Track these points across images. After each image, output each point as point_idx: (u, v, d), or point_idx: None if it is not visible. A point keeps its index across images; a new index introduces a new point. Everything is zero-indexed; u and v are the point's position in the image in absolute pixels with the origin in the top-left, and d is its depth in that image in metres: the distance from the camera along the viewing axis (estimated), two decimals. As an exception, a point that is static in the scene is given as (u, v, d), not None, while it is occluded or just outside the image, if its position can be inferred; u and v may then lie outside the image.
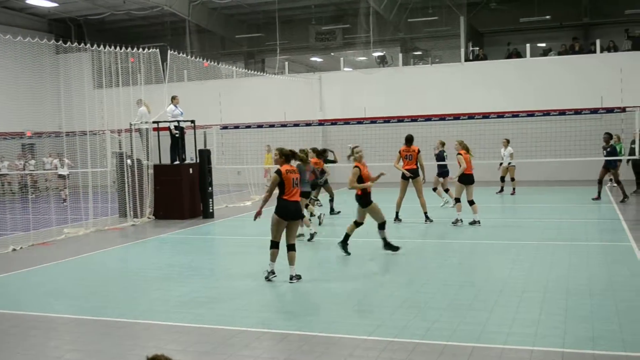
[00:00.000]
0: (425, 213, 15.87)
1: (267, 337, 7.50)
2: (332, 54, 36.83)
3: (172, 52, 20.97)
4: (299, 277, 10.10)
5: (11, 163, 26.40)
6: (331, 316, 8.19)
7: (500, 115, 23.14)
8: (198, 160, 19.03)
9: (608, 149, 19.36)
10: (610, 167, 19.38)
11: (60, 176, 23.83)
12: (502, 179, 22.27)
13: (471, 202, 15.22)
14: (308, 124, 26.48)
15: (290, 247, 10.21)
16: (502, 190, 22.26)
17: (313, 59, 39.04)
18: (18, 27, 30.56)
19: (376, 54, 33.44)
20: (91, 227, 16.79)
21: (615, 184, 20.32)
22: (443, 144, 19.32)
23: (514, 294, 8.92)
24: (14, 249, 14.11)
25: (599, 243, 12.99)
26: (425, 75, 28.72)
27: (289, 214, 10.03)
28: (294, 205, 10.09)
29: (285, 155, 10.29)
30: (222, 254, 13.83)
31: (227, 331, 7.73)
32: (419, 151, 15.95)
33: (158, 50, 20.44)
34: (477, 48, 30.57)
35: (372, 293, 9.32)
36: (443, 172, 18.92)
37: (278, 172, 10.11)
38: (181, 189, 18.46)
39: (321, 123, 28.18)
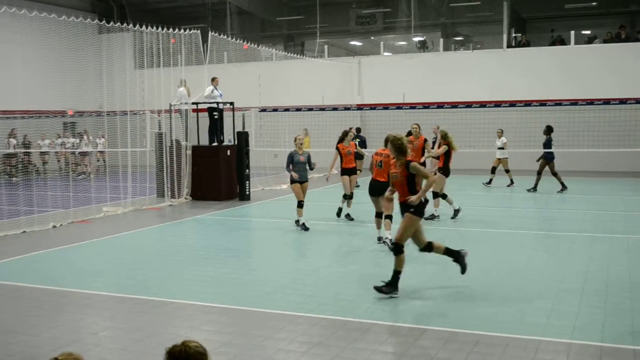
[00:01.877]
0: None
1: (302, 320, 7.50)
2: (372, 38, 36.57)
3: (212, 33, 21.02)
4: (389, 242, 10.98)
5: (52, 142, 26.85)
6: (367, 302, 8.16)
7: (542, 103, 22.73)
8: (236, 142, 19.09)
9: None
10: None
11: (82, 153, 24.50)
12: (494, 170, 20.98)
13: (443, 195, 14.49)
14: (346, 108, 26.39)
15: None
16: (490, 182, 20.89)
17: (353, 42, 38.83)
18: (62, 7, 30.91)
19: (417, 39, 33.12)
20: (129, 206, 16.99)
21: None
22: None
23: (552, 285, 8.78)
24: (54, 226, 14.35)
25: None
26: (466, 62, 28.33)
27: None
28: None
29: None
30: (258, 236, 13.87)
31: (262, 313, 7.76)
32: (425, 140, 15.21)
33: (199, 31, 20.51)
34: (520, 34, 30.04)
35: (409, 281, 9.25)
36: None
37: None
38: (218, 171, 18.55)
39: (360, 108, 28.06)
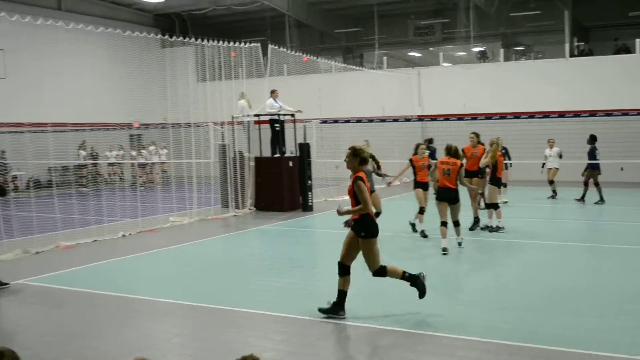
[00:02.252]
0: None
1: (366, 331, 7.54)
2: (431, 48, 36.40)
3: (272, 46, 21.30)
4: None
5: (118, 153, 27.64)
6: (431, 313, 8.14)
7: (608, 113, 22.21)
8: (298, 154, 19.28)
9: None
10: None
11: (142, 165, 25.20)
12: (551, 182, 20.03)
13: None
14: (407, 120, 26.32)
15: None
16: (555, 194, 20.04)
17: (411, 53, 38.74)
18: (126, 22, 31.82)
19: (476, 49, 32.84)
20: (195, 216, 17.32)
21: None
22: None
23: (613, 300, 8.59)
24: (123, 235, 14.76)
25: None
26: (527, 71, 27.94)
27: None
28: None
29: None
30: (321, 247, 13.96)
31: (327, 324, 7.82)
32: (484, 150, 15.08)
33: (259, 44, 20.81)
34: (583, 43, 29.47)
35: (469, 293, 9.19)
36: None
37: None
38: (281, 182, 18.74)
39: (420, 119, 27.97)
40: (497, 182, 14.32)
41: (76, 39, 23.31)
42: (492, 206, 14.23)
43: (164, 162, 27.45)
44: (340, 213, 8.05)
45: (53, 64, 23.47)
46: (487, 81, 28.04)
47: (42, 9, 27.68)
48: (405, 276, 8.20)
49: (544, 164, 20.32)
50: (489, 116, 23.94)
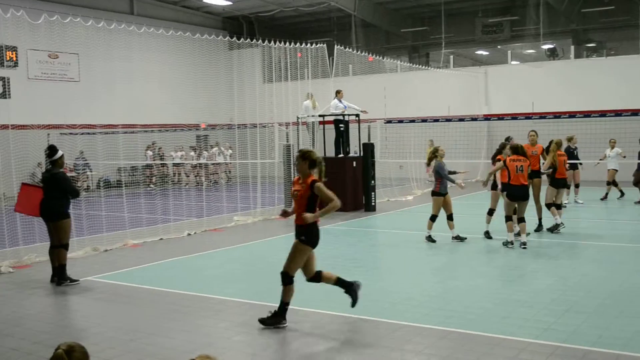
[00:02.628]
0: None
1: (429, 333, 7.46)
2: (499, 47, 35.85)
3: (338, 47, 21.36)
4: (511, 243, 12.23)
5: (185, 154, 28.25)
6: (495, 316, 8.00)
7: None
8: (361, 154, 19.25)
9: None
10: None
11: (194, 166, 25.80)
12: (614, 182, 19.51)
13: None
14: (473, 119, 25.96)
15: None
16: (622, 195, 19.62)
17: (479, 52, 38.20)
18: (195, 25, 32.50)
19: (546, 47, 32.13)
20: (259, 215, 17.50)
21: None
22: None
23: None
24: (189, 234, 15.04)
25: None
26: (599, 69, 27.16)
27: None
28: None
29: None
30: (384, 248, 13.89)
31: (389, 324, 7.78)
32: (543, 149, 14.60)
33: (325, 45, 20.90)
34: (659, 39, 28.48)
35: (533, 294, 8.98)
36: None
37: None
38: (345, 182, 18.74)
39: (487, 118, 27.53)
40: (556, 183, 14.09)
41: (146, 42, 23.98)
42: (553, 206, 14.03)
43: (229, 163, 27.90)
44: (308, 220, 7.61)
45: (124, 66, 24.21)
46: (557, 79, 27.39)
47: (115, 14, 28.53)
48: (339, 281, 8.01)
49: (598, 162, 20.05)
50: (557, 115, 23.33)
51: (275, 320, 7.79)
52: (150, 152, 27.32)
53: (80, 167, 23.10)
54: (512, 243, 12.33)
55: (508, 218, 12.47)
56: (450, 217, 13.22)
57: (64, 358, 3.68)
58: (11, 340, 7.45)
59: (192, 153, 28.44)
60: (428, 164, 13.46)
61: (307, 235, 7.69)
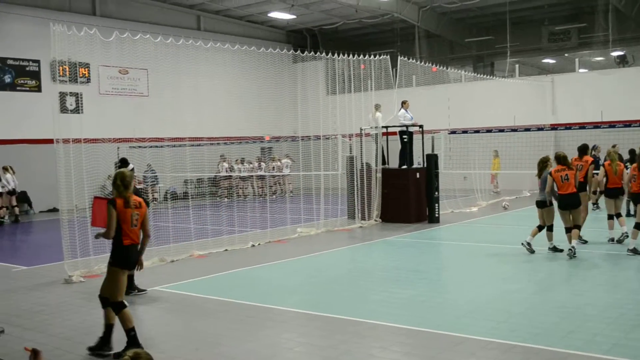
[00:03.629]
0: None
1: (493, 346, 7.35)
2: (566, 54, 35.07)
3: (401, 58, 21.32)
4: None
5: (254, 166, 28.72)
6: (561, 331, 7.82)
7: None
8: (425, 165, 19.13)
9: None
10: None
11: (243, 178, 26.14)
12: None
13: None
14: (539, 129, 25.46)
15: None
16: None
17: (545, 60, 37.48)
18: (259, 39, 33.00)
19: (615, 54, 31.28)
20: (322, 227, 17.57)
21: None
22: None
23: None
24: (253, 245, 15.22)
25: None
26: (673, 76, 26.31)
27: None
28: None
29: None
30: (448, 259, 13.76)
31: (452, 337, 7.71)
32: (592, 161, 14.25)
33: (388, 56, 20.90)
34: None
35: (601, 308, 8.74)
36: None
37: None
38: (408, 193, 18.66)
39: (554, 127, 26.96)
40: (608, 193, 13.85)
41: (213, 57, 24.46)
42: (614, 217, 13.83)
43: (288, 175, 28.25)
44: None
45: (191, 81, 24.75)
46: (627, 87, 26.63)
47: (183, 30, 29.27)
48: (129, 332, 7.47)
49: None
50: (627, 124, 22.64)
51: (102, 345, 7.57)
52: (225, 164, 27.80)
53: (149, 180, 23.68)
54: (574, 253, 12.21)
55: (568, 230, 12.55)
56: (550, 228, 12.99)
57: None
58: (82, 348, 7.69)
59: (251, 165, 28.94)
60: (539, 176, 13.12)
61: (112, 257, 7.65)
